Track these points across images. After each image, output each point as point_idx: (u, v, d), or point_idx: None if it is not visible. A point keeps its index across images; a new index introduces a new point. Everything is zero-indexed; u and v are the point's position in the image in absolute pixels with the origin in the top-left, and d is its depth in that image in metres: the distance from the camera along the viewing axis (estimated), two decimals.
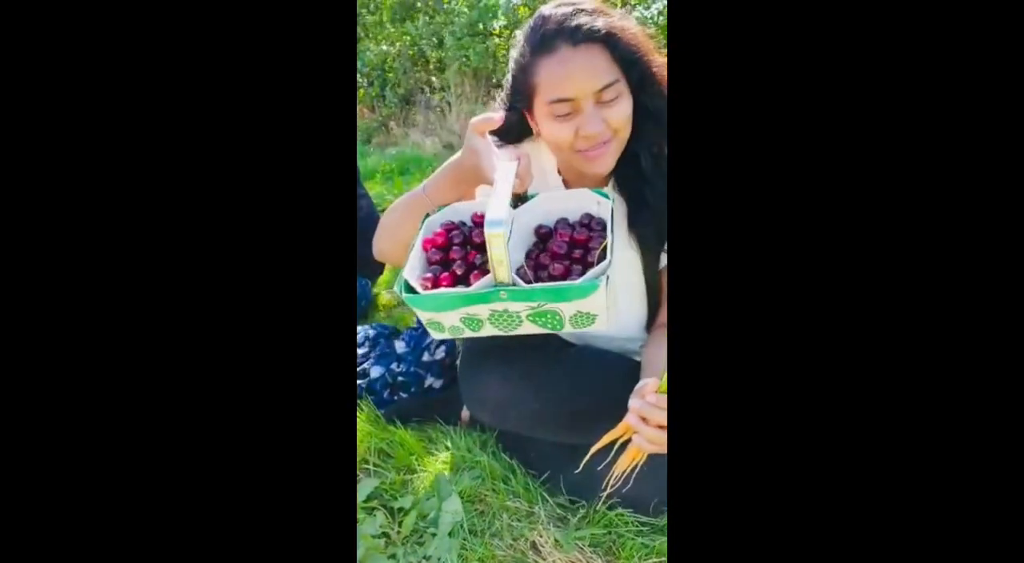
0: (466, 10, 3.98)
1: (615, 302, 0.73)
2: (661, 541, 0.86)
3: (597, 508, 0.90)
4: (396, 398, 1.17)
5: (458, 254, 0.73)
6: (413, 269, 0.71)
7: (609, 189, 0.84)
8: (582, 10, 0.74)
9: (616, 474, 0.72)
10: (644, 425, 0.66)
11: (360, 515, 0.93)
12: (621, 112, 0.75)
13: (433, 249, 0.74)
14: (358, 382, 1.18)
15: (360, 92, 4.61)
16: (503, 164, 0.68)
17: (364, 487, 0.97)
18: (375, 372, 1.18)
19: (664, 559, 0.83)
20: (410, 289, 0.68)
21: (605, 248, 0.67)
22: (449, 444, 1.06)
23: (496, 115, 0.74)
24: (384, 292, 1.75)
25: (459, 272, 0.71)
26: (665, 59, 0.76)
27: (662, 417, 0.64)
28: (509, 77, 0.80)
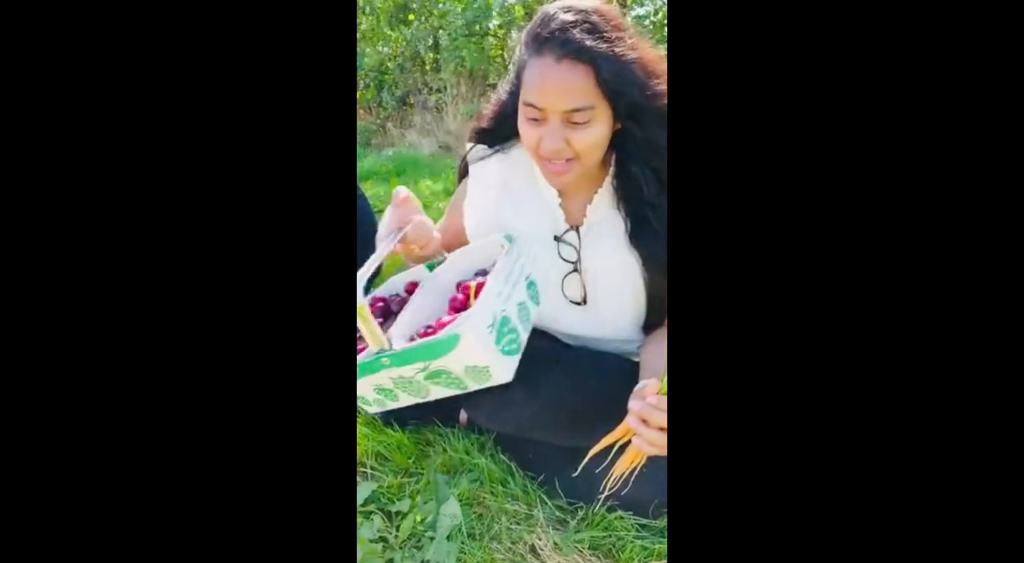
0: (460, 10, 3.99)
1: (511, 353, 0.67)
2: (661, 543, 0.85)
3: (596, 510, 0.89)
4: None
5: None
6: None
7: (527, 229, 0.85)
8: (585, 23, 0.71)
9: (615, 476, 0.71)
10: (645, 427, 0.65)
11: (357, 519, 0.92)
12: (588, 137, 0.73)
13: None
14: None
15: (358, 94, 4.62)
16: (385, 240, 0.69)
17: (361, 491, 0.96)
18: None
19: (664, 562, 0.83)
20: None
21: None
22: (447, 446, 1.05)
23: (401, 194, 0.71)
24: None
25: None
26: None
27: (663, 419, 0.64)
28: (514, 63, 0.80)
